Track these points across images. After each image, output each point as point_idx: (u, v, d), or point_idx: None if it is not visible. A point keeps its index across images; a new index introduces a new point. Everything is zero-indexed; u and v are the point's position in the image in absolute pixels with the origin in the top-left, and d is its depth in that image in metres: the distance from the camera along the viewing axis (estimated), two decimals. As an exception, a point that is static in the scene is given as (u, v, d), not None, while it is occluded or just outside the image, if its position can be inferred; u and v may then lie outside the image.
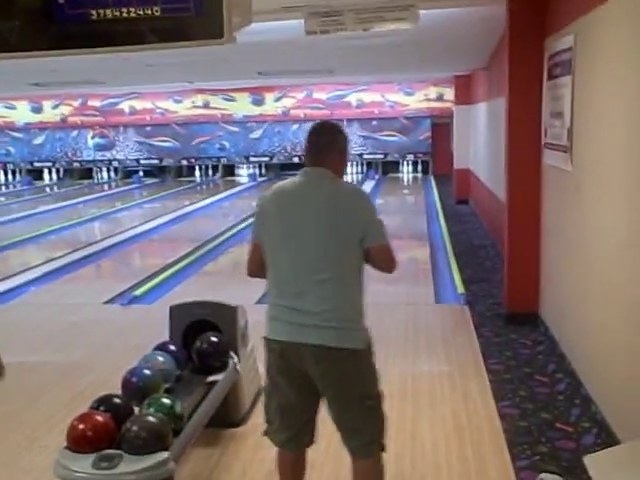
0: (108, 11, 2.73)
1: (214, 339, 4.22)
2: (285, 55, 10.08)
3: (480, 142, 12.81)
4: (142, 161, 23.17)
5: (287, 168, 22.46)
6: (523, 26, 6.07)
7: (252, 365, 4.68)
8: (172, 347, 4.12)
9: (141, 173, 23.15)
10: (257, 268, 3.01)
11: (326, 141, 2.96)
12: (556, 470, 3.66)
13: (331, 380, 2.84)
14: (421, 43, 9.16)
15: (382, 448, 2.98)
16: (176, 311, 4.40)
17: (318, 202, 2.84)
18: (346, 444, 2.98)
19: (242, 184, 21.56)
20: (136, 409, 3.42)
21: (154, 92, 21.13)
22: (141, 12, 2.72)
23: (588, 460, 1.71)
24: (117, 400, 3.39)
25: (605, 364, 4.20)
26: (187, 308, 4.42)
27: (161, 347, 4.11)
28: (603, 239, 4.25)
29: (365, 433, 2.92)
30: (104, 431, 3.09)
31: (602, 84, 4.28)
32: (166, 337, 4.35)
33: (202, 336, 4.22)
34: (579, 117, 4.82)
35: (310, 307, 2.78)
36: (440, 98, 20.59)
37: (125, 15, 2.71)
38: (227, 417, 4.30)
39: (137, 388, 3.60)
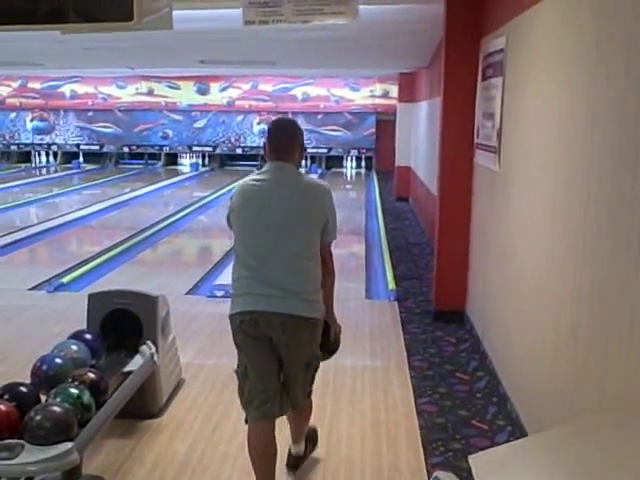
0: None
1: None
2: (226, 44, 9.97)
3: (420, 140, 12.89)
4: (82, 146, 22.71)
5: (230, 159, 22.36)
6: (460, 26, 6.11)
7: (172, 357, 4.63)
8: (88, 336, 4.04)
9: (81, 158, 22.70)
10: None
11: (288, 139, 3.36)
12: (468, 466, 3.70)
13: (294, 346, 3.25)
14: (362, 39, 9.16)
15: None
16: (95, 299, 4.32)
17: (287, 190, 3.25)
18: (291, 399, 3.36)
19: (184, 173, 21.33)
20: (44, 398, 3.34)
21: (97, 77, 20.75)
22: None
23: (472, 459, 1.71)
24: (23, 389, 3.32)
25: (522, 364, 4.26)
26: (106, 297, 4.34)
27: (76, 336, 4.03)
28: (527, 241, 4.30)
29: (305, 386, 3.43)
30: (6, 420, 3.02)
31: (530, 86, 4.32)
32: (88, 326, 4.27)
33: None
34: (508, 119, 4.87)
35: (280, 281, 3.16)
36: (385, 95, 20.64)
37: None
38: (144, 408, 4.25)
39: (46, 377, 3.52)
